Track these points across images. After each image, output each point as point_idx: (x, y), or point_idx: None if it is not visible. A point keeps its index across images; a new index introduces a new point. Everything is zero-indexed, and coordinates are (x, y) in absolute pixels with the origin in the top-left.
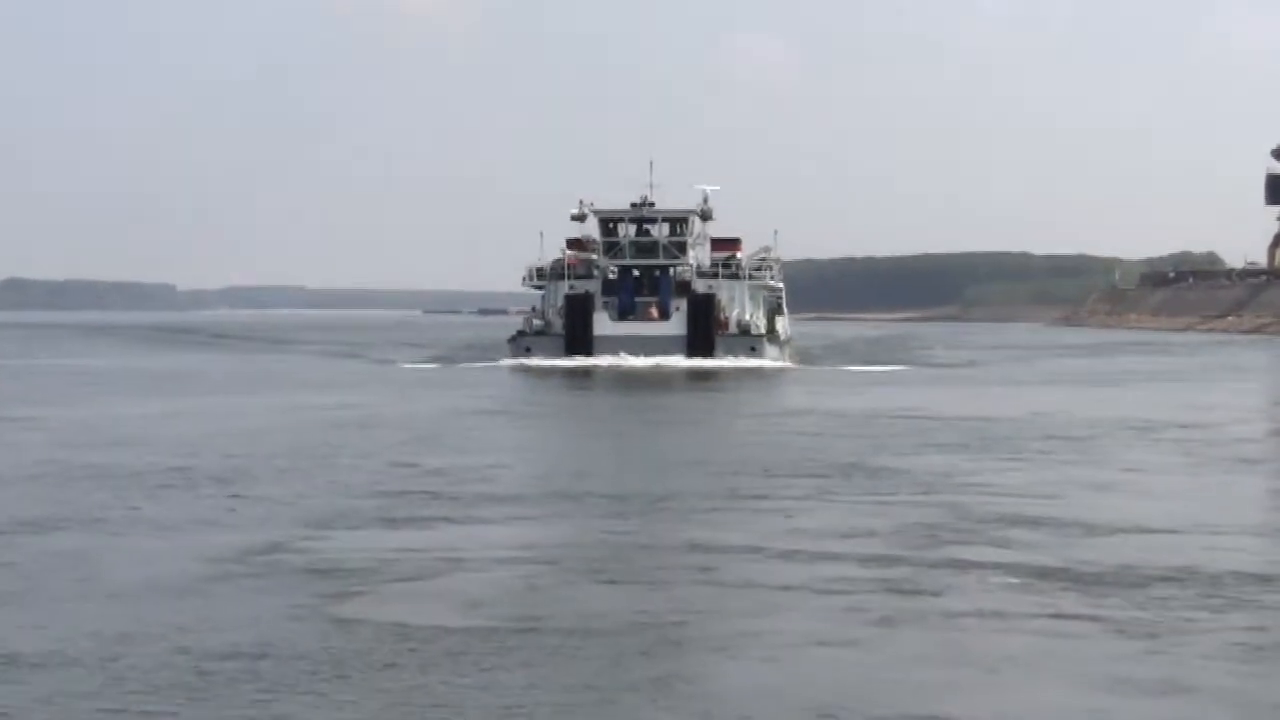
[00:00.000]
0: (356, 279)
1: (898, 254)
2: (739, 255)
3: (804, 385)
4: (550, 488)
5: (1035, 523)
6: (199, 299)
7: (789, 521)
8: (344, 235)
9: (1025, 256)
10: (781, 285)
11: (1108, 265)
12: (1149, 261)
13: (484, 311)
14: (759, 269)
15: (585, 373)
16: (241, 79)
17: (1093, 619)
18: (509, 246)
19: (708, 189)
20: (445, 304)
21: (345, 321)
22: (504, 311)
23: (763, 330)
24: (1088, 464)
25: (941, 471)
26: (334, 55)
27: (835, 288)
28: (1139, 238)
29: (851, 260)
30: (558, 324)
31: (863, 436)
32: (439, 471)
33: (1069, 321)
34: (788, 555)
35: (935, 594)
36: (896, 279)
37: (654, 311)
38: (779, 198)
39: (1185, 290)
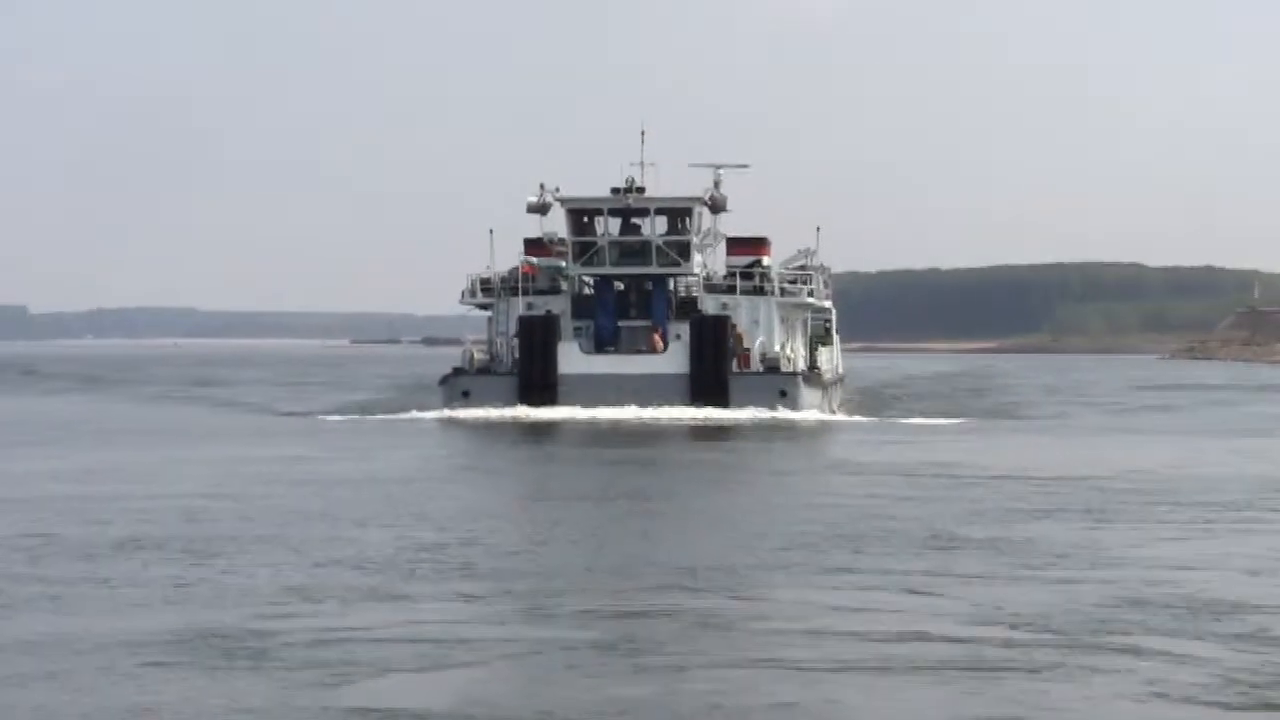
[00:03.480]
0: (264, 300)
1: (969, 265)
2: (766, 261)
3: (860, 439)
4: (574, 564)
5: (1204, 606)
6: (59, 324)
7: (889, 599)
8: (248, 245)
9: (1136, 269)
10: (829, 305)
11: (1243, 280)
12: None
13: (430, 341)
14: (795, 281)
15: (545, 428)
16: (122, 56)
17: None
18: (463, 260)
19: (719, 168)
20: (381, 331)
21: (242, 354)
22: (457, 341)
23: (799, 366)
24: (1248, 534)
25: (1073, 543)
26: (237, 22)
27: (889, 310)
28: None
29: (909, 274)
30: (510, 358)
31: (954, 500)
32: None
33: (1193, 353)
34: (897, 639)
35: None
36: (968, 298)
37: (645, 341)
38: (814, 192)
39: None
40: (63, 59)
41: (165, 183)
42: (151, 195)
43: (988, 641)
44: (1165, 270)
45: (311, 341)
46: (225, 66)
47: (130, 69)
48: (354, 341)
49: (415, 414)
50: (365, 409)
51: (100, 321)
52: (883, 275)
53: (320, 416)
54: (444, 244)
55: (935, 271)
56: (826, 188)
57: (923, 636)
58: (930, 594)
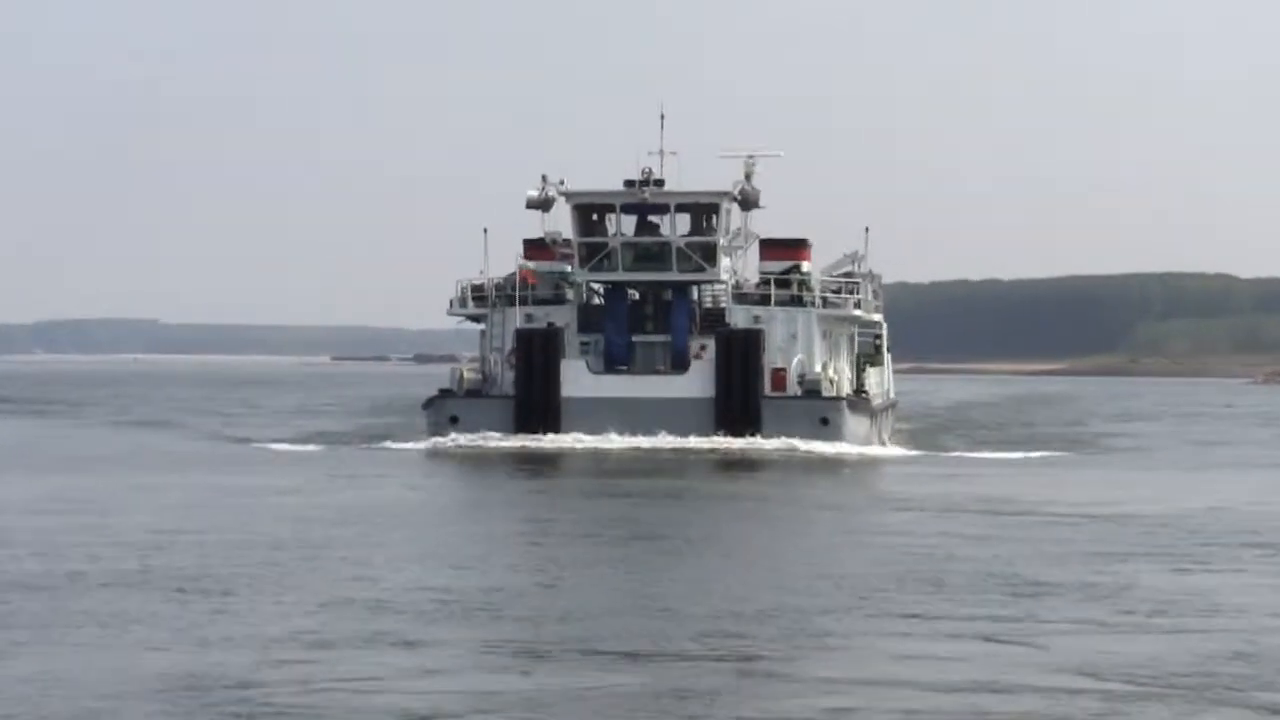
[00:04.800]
0: (236, 312)
1: (1034, 276)
2: (806, 267)
3: (916, 473)
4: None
5: None
6: (3, 337)
7: (963, 648)
8: (218, 251)
9: (1225, 280)
10: (879, 318)
11: None
12: None
13: (421, 358)
14: (839, 290)
15: (547, 460)
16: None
17: None
18: (461, 266)
19: (753, 156)
20: (367, 347)
21: (207, 373)
22: (451, 358)
23: (843, 389)
24: None
25: (1164, 589)
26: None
27: (942, 325)
28: None
29: (965, 285)
30: (505, 378)
31: (1029, 541)
32: None
33: None
34: (974, 689)
35: None
36: (1032, 314)
37: (663, 359)
38: (857, 192)
39: None
40: (29, 55)
41: (128, 181)
42: (113, 195)
43: (1076, 693)
44: (1257, 282)
45: (285, 358)
46: (206, 59)
47: (105, 61)
48: (335, 358)
49: (392, 444)
50: (331, 437)
51: (51, 334)
52: (936, 286)
53: (271, 445)
54: (440, 251)
55: (995, 283)
56: (873, 186)
57: (999, 688)
58: (1008, 642)
